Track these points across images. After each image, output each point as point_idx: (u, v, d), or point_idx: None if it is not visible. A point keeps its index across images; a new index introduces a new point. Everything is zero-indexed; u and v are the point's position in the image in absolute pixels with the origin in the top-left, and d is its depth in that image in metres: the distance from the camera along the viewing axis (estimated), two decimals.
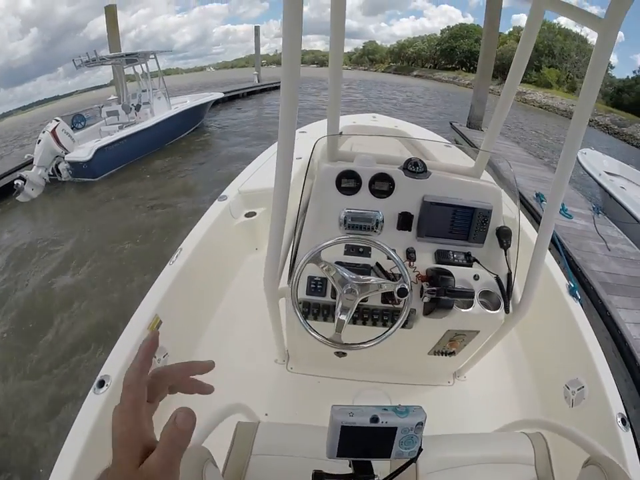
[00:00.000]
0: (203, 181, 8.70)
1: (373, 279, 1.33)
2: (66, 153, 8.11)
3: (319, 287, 1.47)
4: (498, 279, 1.52)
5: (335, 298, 1.40)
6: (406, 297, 1.29)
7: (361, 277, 1.32)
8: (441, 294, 1.37)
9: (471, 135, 11.31)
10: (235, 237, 2.77)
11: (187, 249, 2.20)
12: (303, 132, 4.31)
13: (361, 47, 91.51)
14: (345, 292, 1.29)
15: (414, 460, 0.72)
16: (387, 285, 1.32)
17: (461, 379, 2.19)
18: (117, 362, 1.57)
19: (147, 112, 10.43)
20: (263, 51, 24.05)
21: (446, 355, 1.77)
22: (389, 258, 1.35)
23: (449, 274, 1.42)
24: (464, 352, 1.80)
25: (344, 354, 1.80)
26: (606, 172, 8.22)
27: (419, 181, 1.55)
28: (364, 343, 1.38)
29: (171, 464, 0.41)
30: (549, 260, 2.29)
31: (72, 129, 8.73)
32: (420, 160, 1.58)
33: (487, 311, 1.49)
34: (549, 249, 1.72)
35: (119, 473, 0.40)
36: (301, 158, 3.29)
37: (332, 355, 1.80)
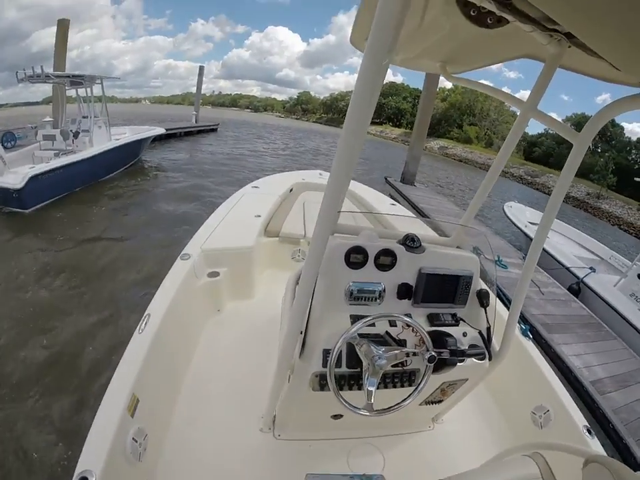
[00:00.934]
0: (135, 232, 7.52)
1: (398, 350, 1.43)
2: None
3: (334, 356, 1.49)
4: (481, 333, 1.73)
5: (350, 367, 1.51)
6: (434, 363, 1.45)
7: (388, 348, 1.43)
8: (455, 354, 1.54)
9: (405, 190, 12.33)
10: (198, 299, 2.71)
11: (155, 314, 2.11)
12: (256, 187, 4.59)
13: (296, 97, 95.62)
14: (375, 364, 1.37)
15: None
16: (408, 352, 1.45)
17: (439, 422, 2.33)
18: (100, 454, 1.35)
19: (86, 141, 9.74)
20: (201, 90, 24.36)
21: (435, 404, 1.96)
22: (408, 325, 1.52)
23: (450, 335, 1.61)
24: (450, 398, 1.99)
25: (341, 416, 1.90)
26: (529, 222, 9.50)
27: (416, 255, 1.69)
28: (392, 407, 1.53)
29: None
30: (502, 308, 2.52)
31: (8, 147, 8.17)
32: (415, 235, 1.75)
33: (477, 361, 1.69)
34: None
35: None
36: (260, 216, 3.62)
37: (327, 417, 1.91)
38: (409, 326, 1.54)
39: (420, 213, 9.85)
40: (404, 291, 1.69)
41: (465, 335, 1.69)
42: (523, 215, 10.10)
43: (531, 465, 1.33)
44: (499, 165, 1.84)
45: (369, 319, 1.40)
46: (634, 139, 40.30)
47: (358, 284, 1.62)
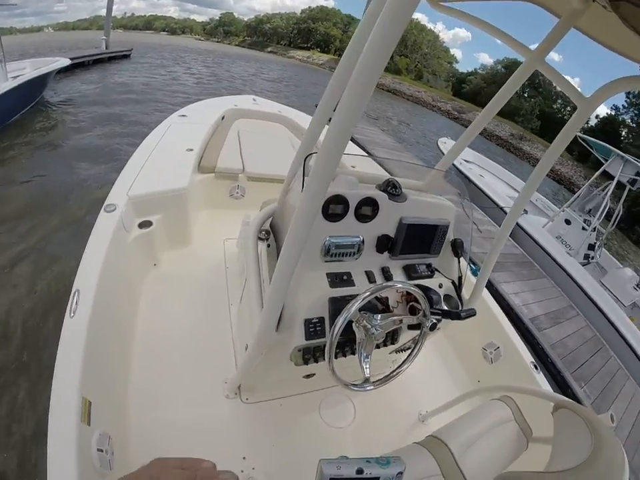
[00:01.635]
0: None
1: (396, 317, 1.36)
2: None
3: (318, 328, 1.42)
4: (454, 283, 1.75)
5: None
6: (436, 329, 1.41)
7: (384, 316, 1.35)
8: (451, 316, 1.47)
9: None
10: (132, 256, 2.37)
11: (85, 289, 1.75)
12: (183, 115, 4.02)
13: (217, 18, 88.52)
14: (371, 335, 1.29)
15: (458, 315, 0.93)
16: (407, 318, 1.40)
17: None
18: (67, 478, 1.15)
19: None
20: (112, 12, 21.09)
21: (403, 351, 1.90)
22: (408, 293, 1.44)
23: (434, 292, 1.56)
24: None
25: (313, 374, 1.83)
26: (464, 160, 9.61)
27: (399, 204, 1.61)
28: (390, 374, 1.50)
29: None
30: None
31: None
32: (396, 181, 1.65)
33: (453, 311, 1.65)
34: None
35: None
36: (192, 150, 3.15)
37: (299, 378, 1.84)
38: (408, 293, 1.48)
39: (356, 144, 9.57)
40: (383, 243, 1.62)
41: (440, 286, 1.69)
42: None
43: (503, 407, 1.54)
44: (491, 111, 1.72)
45: (368, 292, 1.23)
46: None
47: (336, 239, 1.50)
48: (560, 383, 4.25)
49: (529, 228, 7.17)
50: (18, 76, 8.77)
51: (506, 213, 6.23)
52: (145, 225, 2.52)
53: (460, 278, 1.77)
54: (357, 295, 1.31)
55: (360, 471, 0.72)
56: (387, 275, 1.64)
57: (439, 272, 1.78)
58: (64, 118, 9.75)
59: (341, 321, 1.20)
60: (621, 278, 7.04)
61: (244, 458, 1.78)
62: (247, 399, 1.99)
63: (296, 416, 2.00)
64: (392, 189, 1.61)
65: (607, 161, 7.29)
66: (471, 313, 1.50)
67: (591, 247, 7.21)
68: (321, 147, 0.88)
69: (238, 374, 1.78)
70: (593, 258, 7.32)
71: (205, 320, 2.31)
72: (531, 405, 1.58)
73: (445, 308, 1.63)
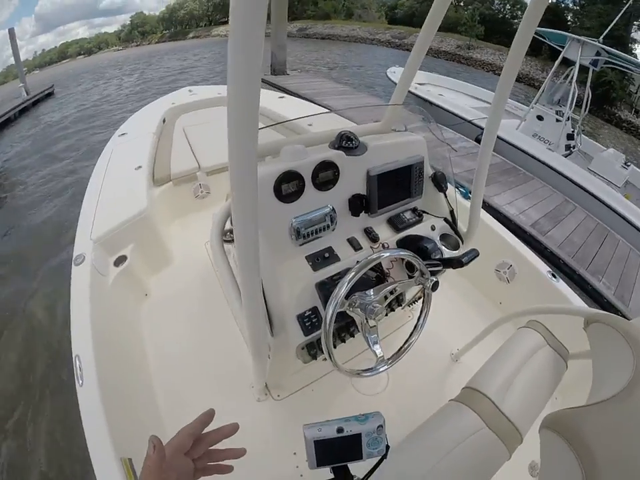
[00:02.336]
0: None
1: (390, 287, 1.23)
2: None
3: (314, 320, 1.31)
4: (446, 220, 1.68)
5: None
6: (437, 289, 1.31)
7: (378, 289, 1.23)
8: (452, 265, 1.40)
9: (280, 82, 11.48)
10: (119, 297, 2.26)
11: (84, 351, 1.68)
12: (123, 134, 3.67)
13: (129, 22, 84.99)
14: (370, 317, 1.19)
15: (384, 457, 0.85)
16: (405, 284, 1.27)
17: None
18: None
19: None
20: (21, 56, 19.48)
21: (415, 302, 1.79)
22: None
23: (428, 240, 1.49)
24: None
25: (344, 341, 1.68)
26: (417, 83, 9.30)
27: (360, 157, 1.50)
28: (399, 352, 1.36)
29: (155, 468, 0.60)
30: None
31: None
32: (349, 132, 1.52)
33: (454, 252, 1.63)
34: None
35: None
36: (140, 167, 2.94)
37: (321, 362, 1.65)
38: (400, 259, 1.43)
39: (305, 100, 9.20)
40: (357, 204, 1.53)
41: (433, 228, 1.64)
42: None
43: (532, 334, 1.53)
44: (430, 28, 1.53)
45: (348, 279, 1.09)
46: None
47: (302, 218, 1.40)
48: (578, 282, 4.17)
49: (504, 133, 6.95)
50: None
51: (476, 126, 6.19)
52: (120, 261, 2.38)
53: (452, 212, 1.70)
54: (346, 271, 1.22)
55: (340, 430, 0.79)
56: (371, 235, 1.54)
57: (427, 213, 1.70)
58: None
59: (329, 315, 1.08)
60: (607, 160, 6.95)
61: (295, 453, 1.75)
62: (278, 396, 1.97)
63: (331, 397, 1.96)
64: (347, 143, 1.50)
65: (563, 48, 7.09)
66: (473, 255, 1.41)
67: (570, 137, 7.07)
68: (228, 123, 0.71)
69: (255, 377, 1.74)
70: (574, 147, 7.18)
71: (212, 331, 2.25)
72: (561, 323, 1.53)
73: (445, 254, 1.54)
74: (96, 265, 2.20)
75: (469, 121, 7.50)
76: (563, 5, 32.32)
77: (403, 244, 1.53)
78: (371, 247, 1.50)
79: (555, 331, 1.57)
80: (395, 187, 1.62)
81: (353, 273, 1.09)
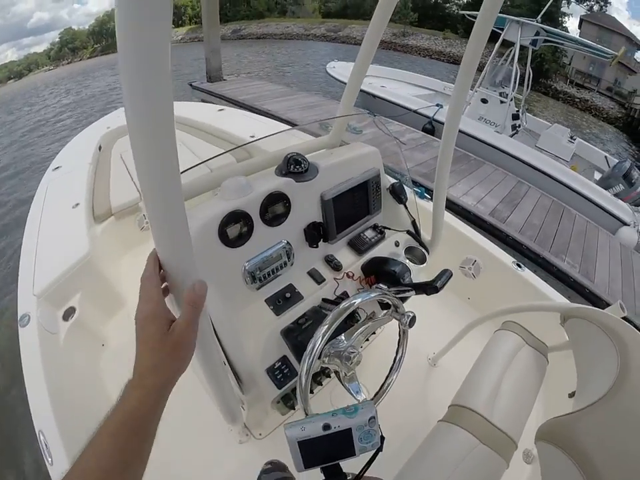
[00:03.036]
0: None
1: (363, 327, 1.14)
2: None
3: (285, 371, 1.22)
4: (410, 232, 1.65)
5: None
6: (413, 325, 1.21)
7: (350, 331, 1.13)
8: (426, 291, 1.31)
9: (217, 89, 11.03)
10: (74, 354, 2.10)
11: (48, 426, 1.52)
12: (58, 167, 3.35)
13: (58, 39, 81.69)
14: (347, 364, 1.06)
15: (380, 449, 0.78)
16: (378, 322, 1.19)
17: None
18: None
19: None
20: None
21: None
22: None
23: (395, 262, 1.41)
24: None
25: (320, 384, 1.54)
26: None
27: (311, 182, 1.40)
28: (380, 391, 1.24)
29: (193, 320, 0.64)
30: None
31: None
32: (298, 154, 1.42)
33: (420, 266, 1.60)
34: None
35: (146, 340, 0.61)
36: (78, 204, 2.68)
37: None
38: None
39: (244, 107, 8.95)
40: (314, 233, 1.44)
41: (397, 244, 1.61)
42: (348, 71, 9.61)
43: (509, 335, 1.53)
44: (379, 25, 1.47)
45: (323, 332, 0.98)
46: None
47: (255, 260, 1.29)
48: (543, 265, 4.19)
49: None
50: None
51: (422, 115, 6.15)
52: (69, 314, 2.19)
53: (414, 222, 1.68)
54: (313, 312, 1.25)
55: (327, 427, 0.71)
56: (332, 264, 1.47)
57: (389, 229, 1.66)
58: None
59: (304, 379, 0.97)
60: (553, 137, 7.11)
61: None
62: (260, 435, 1.84)
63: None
64: (296, 167, 1.39)
65: (502, 30, 7.15)
66: (447, 277, 1.34)
67: (515, 117, 7.15)
68: (136, 165, 0.61)
69: (233, 425, 1.64)
70: (519, 126, 7.27)
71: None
72: (536, 317, 1.54)
73: (412, 271, 1.46)
74: (43, 323, 2.01)
75: (415, 111, 7.45)
76: None
77: (367, 268, 1.46)
78: (335, 279, 1.40)
79: (531, 326, 1.58)
80: (352, 207, 1.56)
81: (325, 327, 0.98)
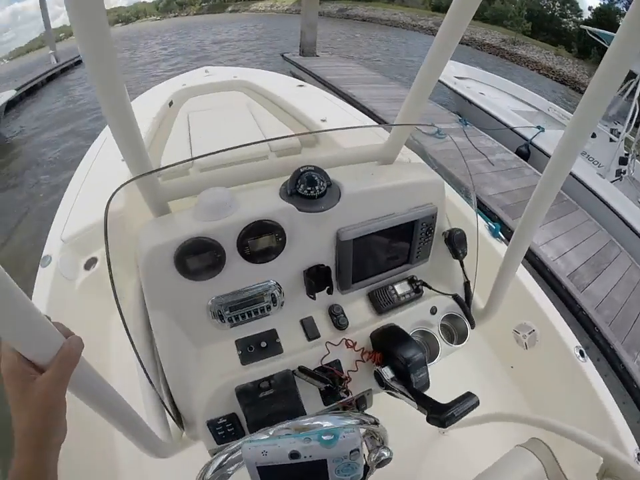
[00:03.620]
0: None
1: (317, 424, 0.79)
2: None
3: (229, 429, 1.01)
4: (457, 298, 1.29)
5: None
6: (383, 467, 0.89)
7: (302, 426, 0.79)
8: (431, 418, 0.91)
9: (307, 64, 10.68)
10: (85, 305, 2.05)
11: None
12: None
13: None
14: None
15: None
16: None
17: None
18: None
19: None
20: (58, 22, 19.58)
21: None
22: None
23: (408, 345, 1.05)
24: None
25: None
26: (456, 77, 8.35)
27: (324, 214, 1.05)
28: None
29: (62, 378, 0.55)
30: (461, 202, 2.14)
31: None
32: (316, 170, 1.06)
33: (455, 346, 1.29)
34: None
35: (14, 395, 0.52)
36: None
37: None
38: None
39: (329, 87, 8.40)
40: (318, 279, 1.10)
41: (433, 311, 1.25)
42: (447, 69, 8.59)
43: (530, 459, 1.13)
44: (457, 25, 1.00)
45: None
46: None
47: (223, 300, 1.03)
48: (610, 357, 3.38)
49: (547, 146, 6.05)
50: None
51: (519, 135, 5.36)
52: (91, 264, 2.22)
53: (467, 285, 1.32)
54: (282, 378, 1.01)
55: (295, 455, 0.59)
56: (337, 319, 1.16)
57: (430, 287, 1.27)
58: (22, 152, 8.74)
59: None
60: None
61: None
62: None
63: None
64: (307, 189, 1.03)
65: None
66: (466, 409, 0.92)
67: (623, 161, 5.99)
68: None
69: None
70: (625, 172, 6.08)
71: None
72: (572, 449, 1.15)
73: (441, 350, 1.25)
74: (62, 268, 2.07)
75: (512, 129, 6.58)
76: (614, 8, 30.90)
77: (378, 338, 1.13)
78: (328, 343, 1.07)
79: (561, 452, 1.18)
80: (384, 250, 1.21)
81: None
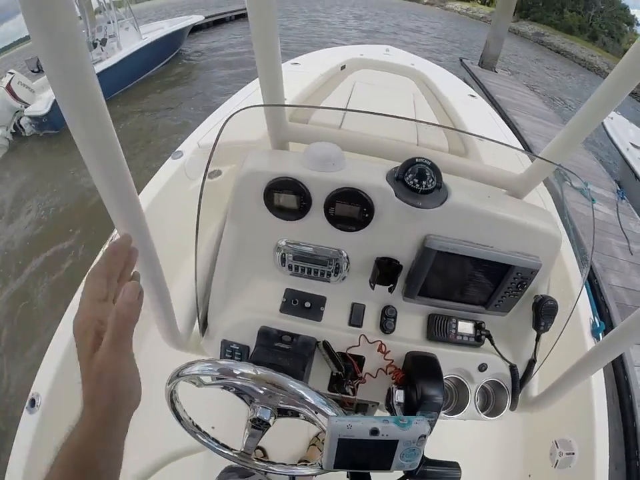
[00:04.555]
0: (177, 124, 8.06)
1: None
2: (26, 106, 7.70)
3: (237, 355, 1.07)
4: (514, 370, 1.14)
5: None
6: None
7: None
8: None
9: (483, 76, 10.19)
10: (191, 205, 2.06)
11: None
12: (296, 64, 3.68)
13: None
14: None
15: (414, 472, 0.72)
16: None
17: None
18: (47, 378, 1.49)
19: (114, 46, 9.50)
20: None
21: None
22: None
23: (434, 380, 0.96)
24: None
25: None
26: (632, 144, 7.16)
27: (421, 211, 0.98)
28: None
29: (120, 338, 0.50)
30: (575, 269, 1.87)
31: (38, 71, 8.19)
32: (430, 167, 0.98)
33: (483, 416, 1.16)
34: None
35: (80, 360, 0.51)
36: (286, 99, 2.69)
37: None
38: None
39: (495, 105, 7.86)
40: (386, 273, 1.05)
41: (482, 368, 1.12)
42: (625, 133, 7.40)
43: None
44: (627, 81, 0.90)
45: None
46: None
47: (291, 247, 1.08)
48: None
49: None
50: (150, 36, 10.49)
51: None
52: (213, 174, 2.22)
53: (531, 362, 1.15)
54: (302, 345, 1.03)
55: (375, 432, 0.63)
56: (386, 323, 1.12)
57: (493, 344, 1.14)
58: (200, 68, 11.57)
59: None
60: None
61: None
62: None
63: None
64: (414, 181, 0.97)
65: None
66: (432, 476, 0.81)
67: None
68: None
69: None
70: None
71: None
72: None
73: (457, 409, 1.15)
74: (187, 166, 2.21)
75: None
76: None
77: (410, 363, 1.05)
78: (363, 336, 1.05)
79: None
80: (465, 280, 1.08)
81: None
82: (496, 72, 11.29)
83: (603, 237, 4.62)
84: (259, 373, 0.78)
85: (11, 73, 7.66)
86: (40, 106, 7.65)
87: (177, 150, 2.33)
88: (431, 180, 0.97)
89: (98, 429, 0.50)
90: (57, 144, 7.47)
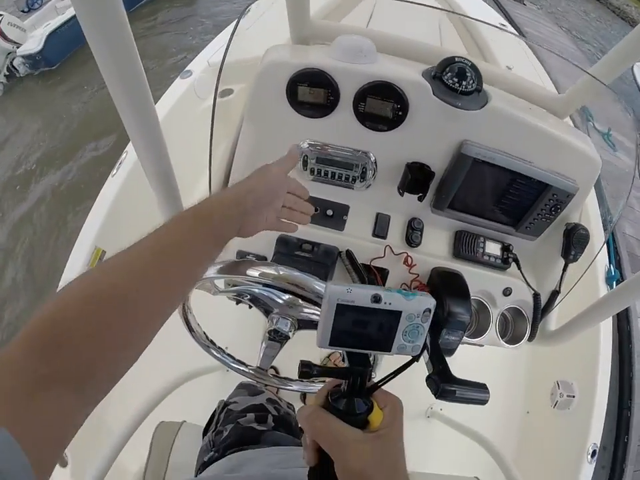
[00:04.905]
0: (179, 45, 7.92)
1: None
2: (18, 47, 7.43)
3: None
4: (537, 299, 1.13)
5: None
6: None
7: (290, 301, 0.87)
8: (434, 387, 0.81)
9: (509, 6, 9.30)
10: (201, 125, 1.97)
11: (133, 151, 1.61)
12: None
13: None
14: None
15: (416, 359, 0.65)
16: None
17: None
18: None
19: None
20: None
21: None
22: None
23: (462, 299, 0.96)
24: None
25: None
26: None
27: (459, 112, 0.89)
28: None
29: (286, 168, 0.71)
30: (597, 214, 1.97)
31: (28, 11, 8.24)
32: (470, 65, 0.90)
33: (502, 343, 1.16)
34: None
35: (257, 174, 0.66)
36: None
37: None
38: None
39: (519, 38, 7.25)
40: (417, 179, 1.00)
41: (507, 293, 1.13)
42: None
43: None
44: None
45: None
46: None
47: (315, 148, 1.02)
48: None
49: None
50: None
51: None
52: (225, 93, 2.10)
53: (554, 293, 1.14)
54: (323, 254, 1.03)
55: (377, 299, 0.56)
56: (412, 235, 1.08)
57: (520, 269, 1.10)
58: None
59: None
60: None
61: None
62: None
63: None
64: (453, 80, 0.90)
65: None
66: (479, 399, 0.81)
67: None
68: None
69: None
70: None
71: None
72: None
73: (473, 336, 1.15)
74: (197, 86, 2.18)
75: None
76: None
77: (438, 278, 1.03)
78: (388, 247, 1.03)
79: None
80: (498, 196, 1.03)
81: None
82: (525, 5, 10.57)
83: (621, 185, 4.31)
84: (281, 273, 0.75)
85: (0, 15, 7.35)
86: (32, 44, 7.46)
87: (185, 69, 2.26)
88: (471, 81, 0.91)
89: (238, 210, 0.59)
90: (53, 79, 7.42)
